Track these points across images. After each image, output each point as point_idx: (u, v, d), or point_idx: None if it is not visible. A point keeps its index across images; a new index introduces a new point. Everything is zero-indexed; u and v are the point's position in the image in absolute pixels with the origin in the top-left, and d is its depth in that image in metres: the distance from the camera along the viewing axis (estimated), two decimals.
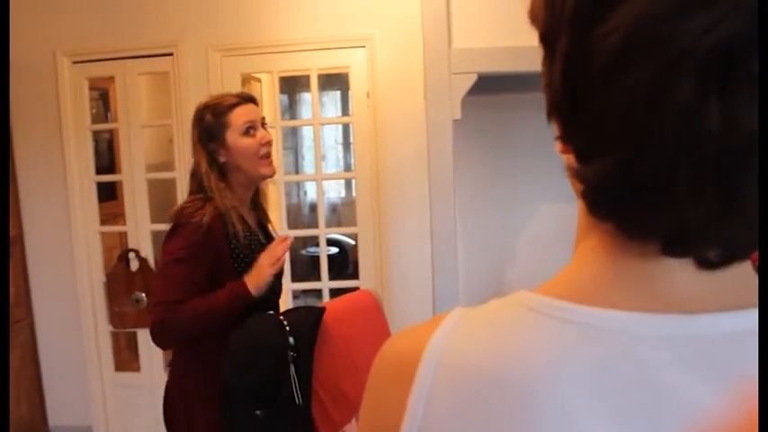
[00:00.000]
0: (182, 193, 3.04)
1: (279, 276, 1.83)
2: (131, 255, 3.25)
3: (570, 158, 0.42)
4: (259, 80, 4.13)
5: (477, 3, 2.16)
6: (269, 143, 1.80)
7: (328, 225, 4.94)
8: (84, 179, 3.25)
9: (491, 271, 2.79)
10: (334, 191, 6.17)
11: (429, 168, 2.22)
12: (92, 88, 3.40)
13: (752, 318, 0.39)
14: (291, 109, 6.04)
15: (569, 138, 0.42)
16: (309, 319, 1.73)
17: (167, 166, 3.43)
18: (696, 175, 0.34)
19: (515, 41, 1.99)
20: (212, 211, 1.68)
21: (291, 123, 5.69)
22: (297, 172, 6.20)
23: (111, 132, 3.77)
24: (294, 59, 3.07)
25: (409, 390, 0.42)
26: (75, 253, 3.26)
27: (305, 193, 6.27)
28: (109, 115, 3.96)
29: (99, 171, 3.38)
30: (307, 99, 5.79)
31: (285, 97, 5.82)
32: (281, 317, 1.71)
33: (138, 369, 3.38)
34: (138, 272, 3.24)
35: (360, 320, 1.84)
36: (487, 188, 2.78)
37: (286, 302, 3.03)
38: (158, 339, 1.67)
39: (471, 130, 2.61)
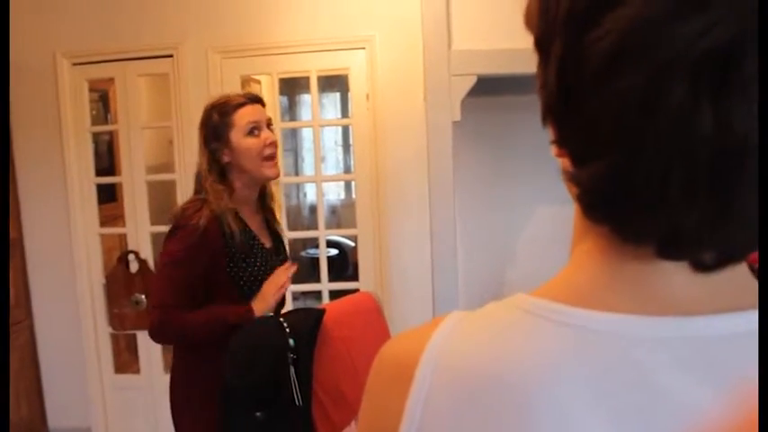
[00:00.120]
0: (182, 195, 3.05)
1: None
2: (131, 256, 3.25)
3: (565, 162, 0.42)
4: (259, 82, 4.14)
5: (477, 5, 2.17)
6: (273, 144, 1.80)
7: (328, 227, 4.94)
8: (84, 181, 3.25)
9: (491, 272, 2.79)
10: (334, 192, 6.17)
11: (429, 170, 2.22)
12: (92, 90, 3.40)
13: (749, 319, 0.39)
14: (291, 111, 6.04)
15: (564, 141, 0.42)
16: (309, 320, 1.73)
17: (167, 167, 3.43)
18: (689, 178, 0.34)
19: (515, 43, 1.99)
20: (208, 213, 1.68)
21: (291, 125, 5.69)
22: (296, 174, 6.20)
23: (111, 134, 3.78)
24: (294, 61, 3.08)
25: (407, 392, 0.43)
26: (74, 255, 3.26)
27: (304, 195, 6.27)
28: (109, 117, 3.96)
29: (99, 173, 3.38)
30: (306, 101, 5.79)
31: (285, 99, 5.82)
32: (281, 319, 1.71)
33: (137, 371, 3.38)
34: (138, 273, 3.24)
35: (360, 322, 1.84)
36: (487, 189, 2.78)
37: (286, 304, 3.03)
38: (157, 339, 1.74)
39: (471, 132, 2.61)
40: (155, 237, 3.17)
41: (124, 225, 3.31)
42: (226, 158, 1.77)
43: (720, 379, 0.38)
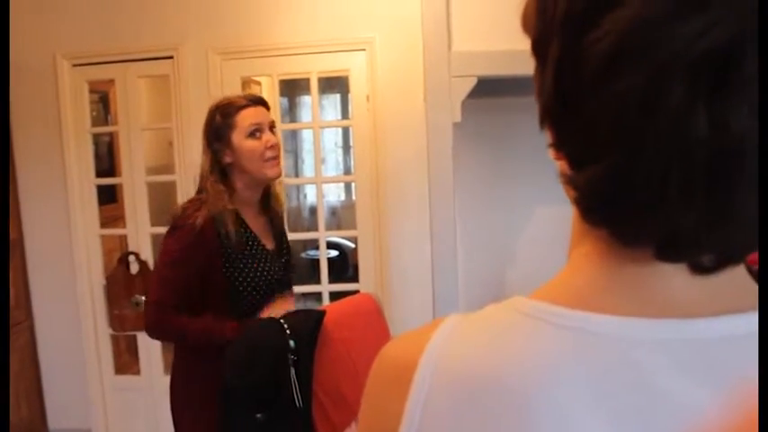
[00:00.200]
0: (182, 196, 3.05)
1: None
2: (131, 258, 3.25)
3: (563, 165, 0.42)
4: (259, 83, 4.14)
5: (478, 6, 2.16)
6: (274, 147, 1.80)
7: (328, 228, 4.92)
8: (84, 182, 3.25)
9: (491, 272, 2.79)
10: (334, 194, 6.17)
11: (429, 171, 2.22)
12: (92, 91, 3.40)
13: (749, 321, 0.39)
14: (291, 112, 6.04)
15: (562, 144, 0.42)
16: (310, 322, 1.73)
17: (167, 168, 3.43)
18: (687, 179, 0.34)
19: (515, 45, 1.98)
20: (206, 213, 1.70)
21: (291, 126, 5.69)
22: (297, 175, 6.20)
23: (112, 135, 3.78)
24: (294, 62, 3.08)
25: (407, 394, 0.43)
26: (74, 256, 3.26)
27: (305, 196, 6.27)
28: (109, 118, 3.97)
29: (99, 174, 3.39)
30: (307, 102, 5.79)
31: (285, 100, 5.83)
32: (282, 320, 1.71)
33: (137, 372, 3.38)
34: (138, 275, 3.23)
35: (360, 324, 1.84)
36: (487, 190, 2.78)
37: None
38: (151, 335, 1.77)
39: (471, 133, 2.61)
40: (155, 238, 3.17)
41: (124, 226, 3.32)
42: (228, 159, 1.78)
43: (720, 380, 0.38)
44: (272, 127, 1.83)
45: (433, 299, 2.26)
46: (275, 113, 3.36)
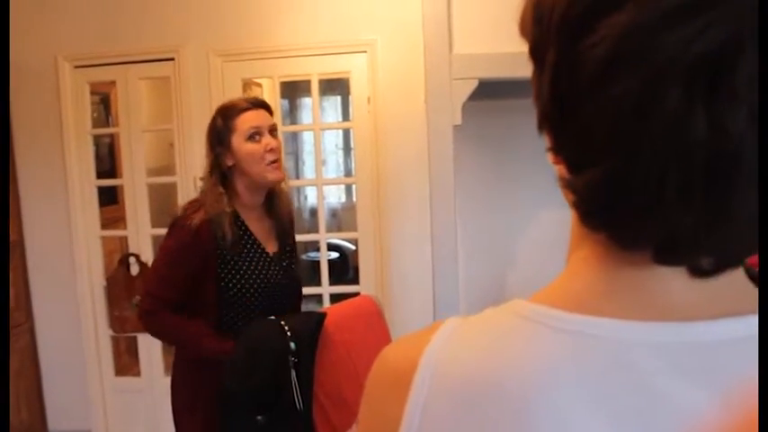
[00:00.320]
0: (182, 198, 3.05)
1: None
2: (132, 259, 3.25)
3: (562, 169, 0.42)
4: (260, 85, 4.15)
5: (479, 8, 2.17)
6: (274, 150, 1.79)
7: (329, 230, 4.93)
8: (85, 183, 3.25)
9: (492, 275, 2.79)
10: (335, 196, 6.17)
11: (429, 173, 2.22)
12: (93, 93, 3.41)
13: (748, 324, 0.39)
14: (292, 114, 6.04)
15: (560, 148, 0.42)
16: (310, 324, 1.73)
17: (168, 170, 3.43)
18: (685, 181, 0.34)
19: (516, 47, 1.98)
20: (203, 215, 1.70)
21: (292, 128, 5.69)
22: (297, 177, 6.19)
23: (112, 137, 3.78)
24: (295, 64, 3.08)
25: (406, 398, 0.43)
26: (75, 257, 3.26)
27: (305, 198, 6.27)
28: (110, 120, 3.97)
29: (100, 175, 3.39)
30: (307, 104, 5.79)
31: (286, 102, 5.82)
32: (282, 322, 1.71)
33: (138, 374, 3.38)
34: (139, 276, 3.24)
35: (361, 326, 1.84)
36: (488, 192, 2.78)
37: None
38: (146, 327, 1.79)
39: (472, 135, 2.61)
40: (155, 239, 3.16)
41: (125, 227, 3.32)
42: (229, 162, 1.78)
43: (720, 383, 0.38)
44: (272, 130, 1.82)
45: (433, 301, 2.26)
46: (276, 115, 3.37)
